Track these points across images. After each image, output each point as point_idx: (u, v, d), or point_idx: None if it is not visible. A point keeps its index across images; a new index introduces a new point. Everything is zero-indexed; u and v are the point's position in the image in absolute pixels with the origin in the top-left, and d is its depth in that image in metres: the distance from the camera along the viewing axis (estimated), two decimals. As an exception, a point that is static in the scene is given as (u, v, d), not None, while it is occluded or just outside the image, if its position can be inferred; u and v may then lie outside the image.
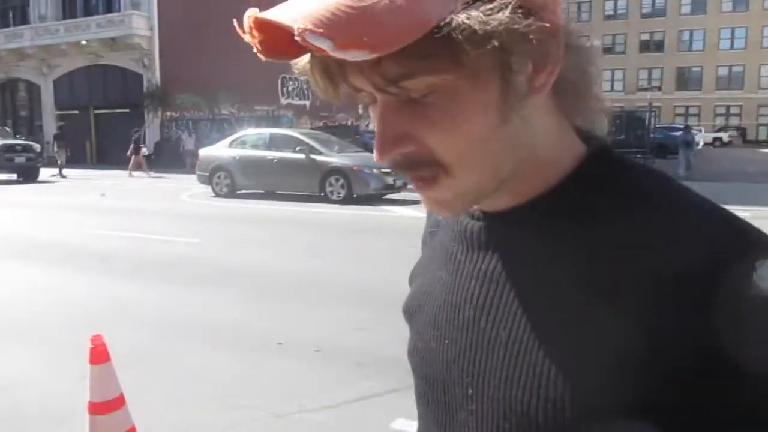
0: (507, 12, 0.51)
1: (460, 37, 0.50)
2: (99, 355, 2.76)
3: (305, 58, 0.56)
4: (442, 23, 0.50)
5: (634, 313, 0.51)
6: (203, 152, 15.79)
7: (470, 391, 0.62)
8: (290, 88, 31.73)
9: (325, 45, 0.47)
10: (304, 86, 32.03)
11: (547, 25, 0.53)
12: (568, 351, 0.54)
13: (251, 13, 0.51)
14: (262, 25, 0.51)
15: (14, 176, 20.37)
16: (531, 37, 0.52)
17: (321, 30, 0.47)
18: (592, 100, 0.62)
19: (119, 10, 28.42)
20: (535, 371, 0.56)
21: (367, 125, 29.25)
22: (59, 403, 3.80)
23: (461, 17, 0.50)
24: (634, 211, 0.57)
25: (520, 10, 0.52)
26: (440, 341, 0.67)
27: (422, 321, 0.70)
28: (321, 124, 29.65)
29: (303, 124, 29.53)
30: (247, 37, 0.53)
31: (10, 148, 20.36)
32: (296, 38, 0.48)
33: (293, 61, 0.57)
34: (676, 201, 0.57)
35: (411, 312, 0.73)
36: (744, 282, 0.50)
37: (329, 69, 0.54)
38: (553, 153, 0.61)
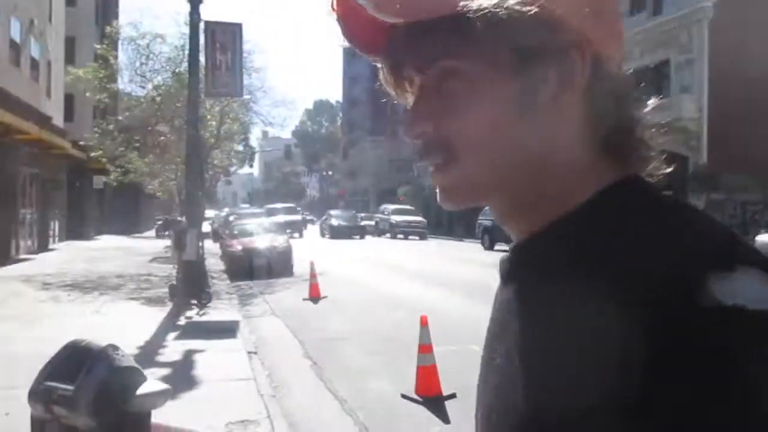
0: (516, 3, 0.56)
1: (473, 16, 0.56)
2: None
3: (383, 77, 0.67)
4: (464, 4, 0.56)
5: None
6: (761, 239, 14.50)
7: (478, 412, 0.66)
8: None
9: (366, 4, 0.59)
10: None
11: (569, 36, 0.57)
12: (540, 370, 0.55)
13: None
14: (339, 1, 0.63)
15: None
16: (534, 35, 0.57)
17: None
18: (634, 139, 0.61)
19: (668, 95, 28.78)
20: (510, 389, 0.58)
21: None
22: None
23: (467, 3, 0.56)
24: (605, 243, 0.55)
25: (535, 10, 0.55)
26: (480, 374, 0.69)
27: None
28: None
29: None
30: (332, 15, 0.64)
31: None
32: None
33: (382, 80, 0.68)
34: (678, 227, 0.55)
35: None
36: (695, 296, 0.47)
37: (392, 64, 0.65)
38: (573, 176, 0.60)
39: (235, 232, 18.95)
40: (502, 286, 0.68)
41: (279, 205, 44.46)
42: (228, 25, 14.92)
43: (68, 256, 18.90)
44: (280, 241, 17.38)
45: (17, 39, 18.42)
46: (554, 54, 0.58)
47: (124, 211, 33.85)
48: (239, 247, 16.86)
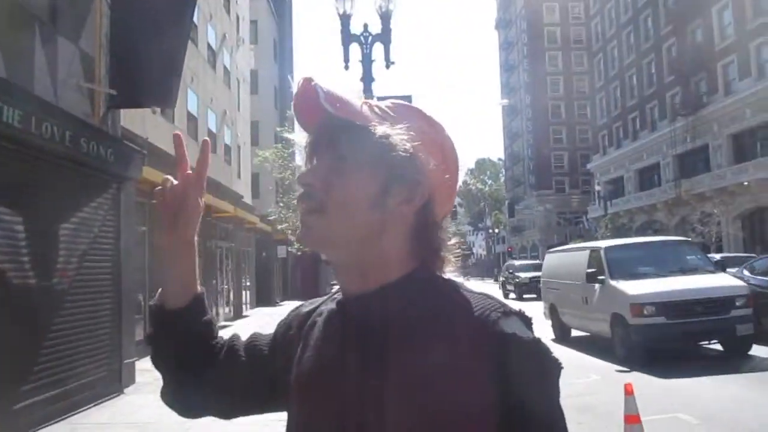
0: (393, 139, 0.91)
1: (375, 136, 0.91)
2: None
3: (303, 139, 1.00)
4: (375, 125, 0.92)
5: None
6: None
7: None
8: None
9: (324, 100, 0.90)
10: None
11: (420, 176, 0.92)
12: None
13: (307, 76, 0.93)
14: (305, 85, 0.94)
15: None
16: (402, 164, 0.91)
17: (325, 91, 0.90)
18: (437, 253, 0.97)
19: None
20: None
21: None
22: None
23: (375, 127, 0.91)
24: (430, 301, 0.92)
25: (403, 152, 0.91)
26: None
27: None
28: None
29: None
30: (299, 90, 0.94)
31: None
32: (312, 85, 0.92)
33: (301, 141, 1.01)
34: (455, 293, 0.94)
35: None
36: (495, 328, 0.88)
37: (314, 139, 0.97)
38: (400, 265, 0.94)
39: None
40: (341, 323, 0.96)
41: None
42: (398, 99, 15.64)
43: (261, 321, 20.25)
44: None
45: (213, 129, 20.71)
46: (409, 181, 0.91)
47: (304, 277, 35.89)
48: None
